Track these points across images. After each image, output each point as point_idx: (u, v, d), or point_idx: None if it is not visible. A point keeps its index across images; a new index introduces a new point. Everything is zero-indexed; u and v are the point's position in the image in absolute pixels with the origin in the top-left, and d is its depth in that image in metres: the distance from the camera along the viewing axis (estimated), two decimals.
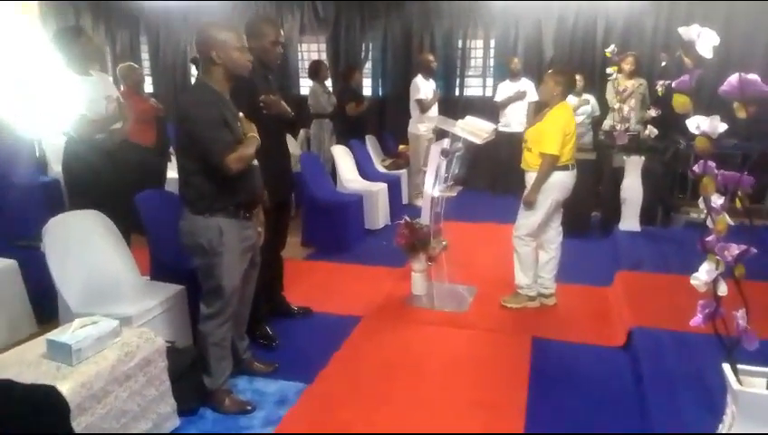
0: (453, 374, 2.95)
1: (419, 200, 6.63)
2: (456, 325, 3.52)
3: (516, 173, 6.01)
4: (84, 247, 2.82)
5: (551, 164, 3.45)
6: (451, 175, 3.92)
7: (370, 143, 6.73)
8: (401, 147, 7.11)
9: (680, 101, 1.70)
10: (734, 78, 1.47)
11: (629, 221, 5.04)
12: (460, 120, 3.72)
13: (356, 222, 5.21)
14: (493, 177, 6.92)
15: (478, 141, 3.54)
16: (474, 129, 3.62)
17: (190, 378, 2.59)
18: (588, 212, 5.50)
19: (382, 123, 7.65)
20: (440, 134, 6.30)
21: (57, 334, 2.14)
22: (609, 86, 5.92)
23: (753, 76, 1.46)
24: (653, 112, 5.11)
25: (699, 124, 1.66)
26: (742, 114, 1.49)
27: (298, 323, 3.57)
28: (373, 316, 3.65)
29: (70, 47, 3.23)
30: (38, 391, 1.97)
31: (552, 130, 3.43)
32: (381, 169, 6.52)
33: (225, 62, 2.43)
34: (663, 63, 5.24)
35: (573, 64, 6.59)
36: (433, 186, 3.73)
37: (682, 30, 1.65)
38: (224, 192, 2.47)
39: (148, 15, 8.04)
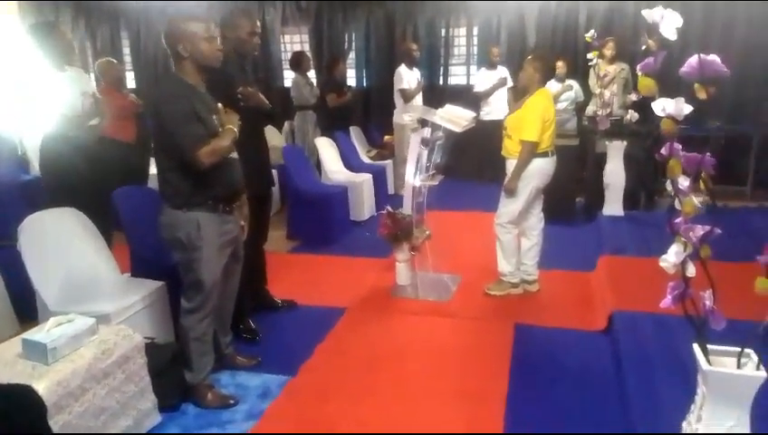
0: (436, 364, 2.96)
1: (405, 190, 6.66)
2: (440, 314, 3.54)
3: (501, 161, 6.03)
4: (61, 245, 2.80)
5: (530, 151, 3.45)
6: (432, 164, 3.92)
7: (355, 134, 6.72)
8: (386, 137, 7.10)
9: (645, 84, 1.71)
10: (693, 59, 1.48)
11: (613, 206, 5.06)
12: (440, 109, 3.72)
13: (341, 214, 5.21)
14: (477, 165, 6.92)
15: (458, 130, 3.54)
16: (453, 117, 3.62)
17: (171, 373, 2.59)
18: (572, 198, 5.53)
19: (367, 114, 7.63)
20: (422, 123, 6.34)
21: (32, 334, 2.13)
22: (592, 72, 5.93)
23: (713, 56, 1.46)
24: (634, 97, 5.13)
25: (665, 107, 1.66)
26: (702, 95, 1.49)
27: (282, 316, 3.57)
28: (357, 308, 3.66)
29: (44, 42, 3.20)
30: (13, 390, 1.96)
31: (531, 118, 3.43)
32: (366, 160, 6.52)
33: (193, 54, 2.41)
34: (644, 47, 5.23)
35: (556, 51, 6.60)
36: (414, 175, 3.73)
37: (645, 12, 1.66)
38: (201, 186, 2.46)
39: (128, 11, 7.95)
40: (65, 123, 3.21)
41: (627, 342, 2.88)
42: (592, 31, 4.86)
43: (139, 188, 3.42)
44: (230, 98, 2.83)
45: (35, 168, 5.86)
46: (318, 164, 5.85)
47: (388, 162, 6.61)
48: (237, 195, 2.67)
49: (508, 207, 3.61)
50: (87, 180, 3.25)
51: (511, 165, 3.54)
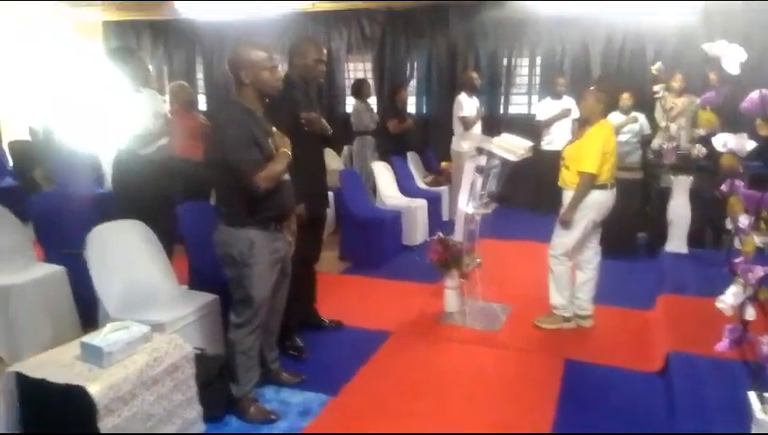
0: (480, 394, 2.90)
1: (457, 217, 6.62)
2: (487, 344, 3.47)
3: (558, 192, 5.91)
4: (125, 256, 2.95)
5: (588, 183, 3.38)
6: (487, 192, 3.89)
7: (412, 160, 6.76)
8: (443, 164, 7.11)
9: (706, 118, 1.66)
10: (754, 94, 1.42)
11: (676, 243, 4.84)
12: (496, 138, 3.71)
13: (393, 238, 5.23)
14: (535, 195, 6.80)
15: (514, 158, 3.51)
16: (509, 146, 3.59)
17: (218, 385, 2.66)
18: (634, 233, 5.33)
19: (425, 140, 7.67)
20: (479, 151, 6.30)
21: (90, 337, 2.25)
22: (658, 105, 5.76)
23: None
24: (702, 131, 4.91)
25: (726, 142, 1.60)
26: (764, 132, 1.43)
27: (328, 335, 3.60)
28: (403, 332, 3.65)
29: (123, 65, 3.43)
30: (68, 391, 2.07)
31: (591, 149, 3.36)
32: (422, 186, 6.53)
33: (253, 82, 2.52)
34: (711, 78, 5.05)
35: (622, 82, 6.44)
36: (467, 202, 3.71)
37: (706, 46, 1.61)
38: (254, 206, 2.54)
39: (204, 37, 8.38)
40: (137, 141, 3.41)
41: (681, 385, 2.73)
42: (659, 63, 4.73)
43: (201, 204, 3.56)
44: (293, 121, 2.93)
45: (109, 182, 6.24)
46: (374, 188, 5.93)
47: (444, 188, 6.60)
48: (288, 214, 2.74)
49: (563, 239, 3.52)
50: (153, 195, 3.41)
51: (567, 196, 3.47)
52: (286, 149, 2.61)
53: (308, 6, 7.32)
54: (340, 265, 5.07)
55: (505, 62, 7.37)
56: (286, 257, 2.79)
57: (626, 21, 6.57)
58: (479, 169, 3.66)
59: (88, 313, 3.52)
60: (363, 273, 4.80)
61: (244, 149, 2.44)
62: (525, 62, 7.38)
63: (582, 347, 3.42)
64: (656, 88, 5.04)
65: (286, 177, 2.66)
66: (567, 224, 3.47)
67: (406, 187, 6.10)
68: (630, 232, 5.26)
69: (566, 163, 3.50)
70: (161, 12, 8.00)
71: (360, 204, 5.24)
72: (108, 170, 6.31)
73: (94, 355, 2.17)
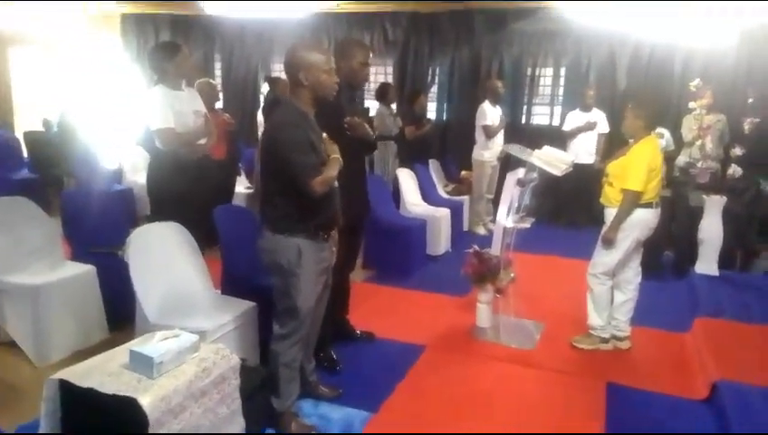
0: (525, 418, 2.82)
1: (480, 228, 6.55)
2: (524, 363, 3.39)
3: (581, 205, 5.84)
4: (164, 259, 2.87)
5: (633, 201, 3.30)
6: (522, 206, 3.82)
7: (434, 167, 6.69)
8: (463, 173, 7.04)
9: None
10: None
11: (707, 264, 4.77)
12: (537, 150, 3.63)
13: (418, 247, 5.15)
14: (557, 208, 6.74)
15: (557, 173, 3.44)
16: (552, 159, 3.52)
17: (258, 398, 2.57)
18: (660, 251, 5.25)
19: (444, 148, 7.60)
20: (505, 161, 6.25)
21: (139, 346, 2.16)
22: (685, 120, 5.70)
23: None
24: (738, 151, 4.86)
25: None
26: None
27: (361, 347, 3.51)
28: (437, 347, 3.57)
29: (167, 62, 3.34)
30: (119, 402, 1.98)
31: (636, 166, 3.29)
32: (444, 195, 6.46)
33: (312, 84, 2.44)
34: (750, 100, 4.99)
35: (648, 97, 6.38)
36: (506, 216, 3.64)
37: None
38: (305, 213, 2.46)
39: (224, 33, 8.30)
40: (176, 140, 3.32)
41: (737, 416, 2.65)
42: (698, 80, 4.68)
43: (236, 208, 3.50)
44: (337, 127, 2.85)
45: (128, 178, 6.16)
46: (394, 194, 5.85)
47: (465, 198, 6.53)
48: (335, 223, 2.67)
49: (604, 258, 3.45)
50: (188, 197, 3.32)
51: (610, 214, 3.39)
52: (336, 155, 2.54)
53: (333, 7, 7.25)
54: (362, 272, 4.98)
55: (529, 71, 7.31)
56: (329, 268, 2.71)
57: (654, 35, 6.52)
58: (521, 183, 3.59)
59: (115, 314, 3.45)
60: (389, 282, 4.71)
61: (301, 153, 2.36)
62: (549, 72, 7.32)
63: (622, 370, 3.34)
64: (692, 104, 4.98)
65: (335, 184, 2.59)
66: (609, 243, 3.39)
67: (428, 194, 6.03)
68: (656, 250, 5.18)
69: (609, 180, 3.43)
70: (184, 7, 7.93)
71: (386, 211, 5.16)
72: (127, 167, 6.26)
73: (143, 365, 2.08)
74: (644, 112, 3.41)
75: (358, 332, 3.62)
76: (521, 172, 3.69)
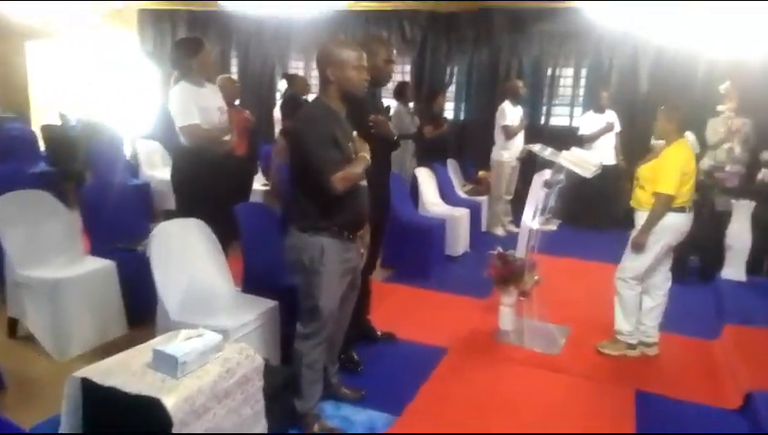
0: (553, 425, 2.74)
1: (498, 229, 6.46)
2: (550, 368, 3.31)
3: (602, 207, 5.72)
4: (186, 255, 2.82)
5: (665, 205, 3.21)
6: (548, 208, 3.73)
7: (452, 167, 6.61)
8: (481, 173, 6.95)
9: None
10: None
11: (734, 270, 4.66)
12: (565, 152, 3.55)
13: (438, 247, 5.07)
14: (576, 210, 6.62)
15: (587, 175, 3.36)
16: (580, 161, 3.44)
17: (282, 399, 2.51)
18: (684, 256, 5.13)
19: (462, 147, 7.52)
20: (524, 162, 6.16)
21: (163, 344, 2.10)
22: (711, 123, 5.58)
23: None
24: (767, 155, 4.74)
25: None
26: None
27: (382, 348, 3.45)
28: (459, 349, 3.49)
29: (190, 58, 3.29)
30: (142, 402, 1.92)
31: (669, 169, 3.20)
32: (462, 195, 6.37)
33: (340, 80, 2.40)
34: None
35: (669, 99, 6.26)
36: (532, 217, 3.55)
37: None
38: (329, 211, 2.41)
39: (241, 29, 8.26)
40: (202, 136, 3.27)
41: None
42: (728, 83, 4.56)
43: (258, 205, 3.44)
44: (362, 125, 2.79)
45: (145, 173, 6.14)
46: (411, 194, 5.77)
47: (484, 199, 6.44)
48: (362, 223, 2.60)
49: (634, 263, 3.36)
50: (212, 193, 3.26)
51: (641, 217, 3.30)
52: (365, 154, 2.48)
53: (352, 5, 7.19)
54: (381, 272, 4.90)
55: (549, 71, 7.20)
56: (357, 269, 2.65)
57: (679, 38, 6.39)
58: (548, 184, 3.50)
59: (134, 310, 3.42)
60: (408, 282, 4.64)
61: (323, 148, 2.32)
62: (570, 72, 7.21)
63: (651, 377, 3.25)
64: (720, 108, 4.88)
65: (363, 183, 2.53)
66: (640, 247, 3.30)
67: (446, 194, 5.96)
68: (680, 255, 5.07)
69: (641, 183, 3.34)
70: (202, 3, 7.90)
71: (405, 210, 5.09)
72: (144, 161, 6.24)
73: (167, 364, 2.03)
74: (677, 115, 3.33)
75: (379, 332, 3.56)
76: (547, 174, 3.60)
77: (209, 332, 2.21)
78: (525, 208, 3.65)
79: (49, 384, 2.89)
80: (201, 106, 3.26)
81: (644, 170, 3.34)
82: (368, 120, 2.90)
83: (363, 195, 2.54)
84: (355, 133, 2.52)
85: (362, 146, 2.50)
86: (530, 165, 6.35)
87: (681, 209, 3.27)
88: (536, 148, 3.53)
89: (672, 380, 3.23)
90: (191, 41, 3.41)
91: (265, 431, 2.37)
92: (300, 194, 2.46)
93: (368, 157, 2.47)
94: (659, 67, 6.61)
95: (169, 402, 1.90)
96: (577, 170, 3.38)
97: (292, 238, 2.48)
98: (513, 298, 3.68)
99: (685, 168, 3.22)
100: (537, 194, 3.55)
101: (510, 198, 6.46)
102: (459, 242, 5.39)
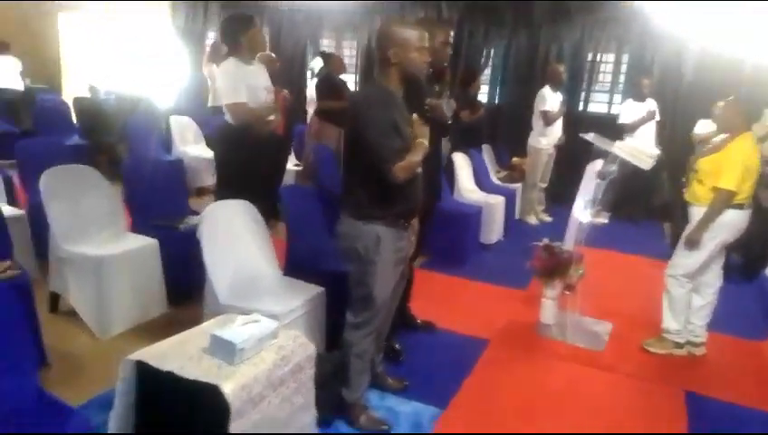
0: (603, 425, 2.66)
1: (532, 217, 6.34)
2: (595, 365, 3.23)
3: (639, 199, 5.57)
4: (234, 238, 2.78)
5: (725, 201, 3.09)
6: (598, 200, 3.62)
7: (486, 153, 6.48)
8: (514, 159, 6.81)
9: None
10: None
11: None
12: (619, 142, 3.43)
13: (473, 234, 4.99)
14: (614, 202, 6.47)
15: (645, 166, 3.24)
16: (636, 151, 3.31)
17: (328, 387, 2.48)
18: (728, 253, 4.99)
19: (496, 133, 7.37)
20: (560, 150, 6.02)
21: (219, 329, 2.06)
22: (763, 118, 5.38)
23: None
24: None
25: None
26: None
27: (422, 338, 3.40)
28: (501, 342, 3.43)
29: (238, 35, 3.21)
30: (200, 388, 1.89)
31: (732, 163, 3.06)
32: (496, 181, 6.26)
33: (402, 62, 2.30)
34: None
35: (713, 92, 6.05)
36: (583, 209, 3.45)
37: None
38: (386, 200, 2.34)
39: (273, 11, 8.14)
40: (248, 115, 3.20)
41: None
42: None
43: (304, 189, 3.38)
44: (419, 108, 2.71)
45: (178, 148, 6.10)
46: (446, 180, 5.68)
47: (518, 186, 6.31)
48: (417, 211, 2.53)
49: (686, 260, 3.25)
50: (254, 172, 3.21)
51: (697, 212, 3.18)
52: (423, 140, 2.39)
53: None
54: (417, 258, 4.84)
55: (590, 57, 7.00)
56: (406, 258, 2.58)
57: (727, 28, 6.15)
58: (601, 175, 3.39)
59: (174, 289, 3.40)
60: (443, 269, 4.56)
61: (385, 135, 2.23)
62: (611, 58, 7.01)
63: (700, 378, 3.16)
64: None
65: (419, 170, 2.45)
66: (694, 244, 3.19)
67: (481, 181, 5.85)
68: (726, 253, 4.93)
69: (699, 177, 3.21)
70: None
71: (443, 197, 4.98)
72: (177, 138, 6.20)
73: (224, 350, 1.98)
74: (744, 108, 3.18)
75: (418, 320, 3.50)
76: (599, 164, 3.48)
77: (265, 318, 2.16)
78: (576, 199, 3.54)
79: (92, 362, 2.89)
80: (249, 84, 3.19)
81: (704, 163, 3.21)
82: (425, 103, 2.81)
83: (418, 182, 2.46)
84: (415, 116, 2.43)
85: (422, 131, 2.41)
86: (566, 153, 6.23)
87: (740, 206, 3.14)
88: (590, 136, 3.41)
89: (721, 381, 3.14)
90: (242, 17, 3.32)
91: (315, 421, 2.33)
92: (354, 181, 2.39)
93: (426, 143, 2.39)
94: (707, 54, 6.37)
95: (228, 389, 1.86)
96: (634, 161, 3.26)
97: (345, 226, 2.41)
98: (556, 291, 3.60)
99: (747, 162, 3.09)
100: (589, 185, 3.43)
101: (545, 185, 6.33)
102: (494, 230, 5.29)
